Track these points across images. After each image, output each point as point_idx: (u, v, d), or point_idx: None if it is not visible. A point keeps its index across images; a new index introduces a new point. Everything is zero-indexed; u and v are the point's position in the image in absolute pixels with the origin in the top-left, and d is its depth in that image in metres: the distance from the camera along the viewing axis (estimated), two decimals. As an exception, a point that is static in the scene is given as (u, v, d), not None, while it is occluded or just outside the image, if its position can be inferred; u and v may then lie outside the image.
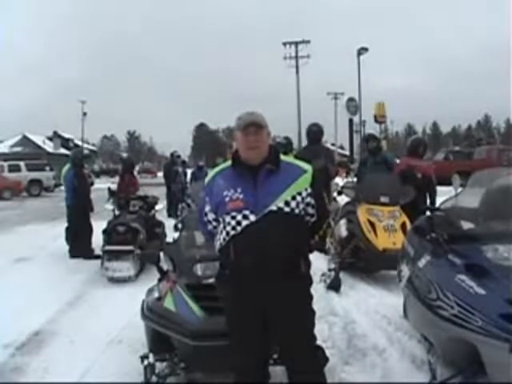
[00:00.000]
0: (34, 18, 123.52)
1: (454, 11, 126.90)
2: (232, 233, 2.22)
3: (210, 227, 2.42)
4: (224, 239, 2.26)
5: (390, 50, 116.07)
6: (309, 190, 2.29)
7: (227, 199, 2.25)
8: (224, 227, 2.26)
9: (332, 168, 7.03)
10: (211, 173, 2.47)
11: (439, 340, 2.72)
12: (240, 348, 2.33)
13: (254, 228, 2.19)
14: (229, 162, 2.38)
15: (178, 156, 13.49)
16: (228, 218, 2.24)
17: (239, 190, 2.25)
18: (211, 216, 2.37)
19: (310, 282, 2.37)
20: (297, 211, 2.25)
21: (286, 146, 7.17)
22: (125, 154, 10.30)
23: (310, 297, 2.36)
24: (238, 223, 2.21)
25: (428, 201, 6.30)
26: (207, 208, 2.38)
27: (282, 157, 2.39)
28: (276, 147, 2.47)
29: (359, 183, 6.52)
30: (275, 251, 2.17)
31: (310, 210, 2.32)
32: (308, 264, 2.34)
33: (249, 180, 2.26)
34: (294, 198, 2.24)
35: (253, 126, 2.26)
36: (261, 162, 2.27)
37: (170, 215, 10.46)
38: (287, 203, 2.22)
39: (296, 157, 6.00)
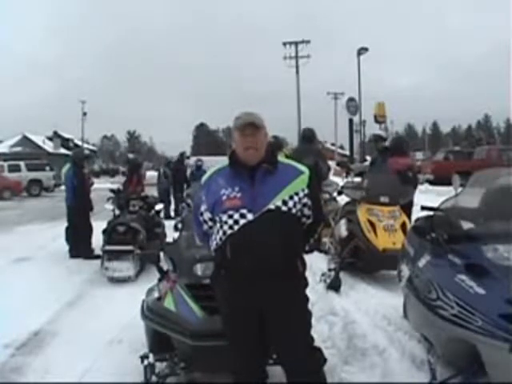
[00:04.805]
0: (34, 18, 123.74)
1: (454, 11, 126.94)
2: (229, 232, 2.22)
3: (205, 227, 2.42)
4: (220, 238, 2.25)
5: (390, 50, 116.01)
6: (306, 191, 2.29)
7: (224, 198, 2.25)
8: (221, 226, 2.25)
9: (324, 167, 7.15)
10: (208, 172, 2.47)
11: (439, 340, 2.72)
12: (237, 348, 2.33)
13: (251, 227, 2.18)
14: (226, 162, 2.38)
15: (188, 157, 13.58)
16: (225, 217, 2.23)
17: (236, 189, 2.25)
18: (207, 215, 2.37)
19: (305, 283, 2.37)
20: (294, 211, 2.25)
21: (275, 145, 7.22)
22: (131, 155, 10.47)
23: (306, 298, 2.37)
24: (236, 222, 2.20)
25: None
26: (203, 207, 2.38)
27: (280, 158, 2.41)
28: (274, 148, 2.48)
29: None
30: (273, 250, 2.17)
31: (307, 211, 2.32)
32: (304, 265, 2.34)
33: (246, 179, 2.26)
34: (291, 197, 2.24)
35: (250, 126, 2.26)
36: (258, 162, 2.28)
37: (164, 215, 10.47)
38: (285, 202, 2.22)
39: (287, 157, 6.04)
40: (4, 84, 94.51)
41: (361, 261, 5.43)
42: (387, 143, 7.09)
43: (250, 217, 2.19)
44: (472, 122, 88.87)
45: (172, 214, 11.33)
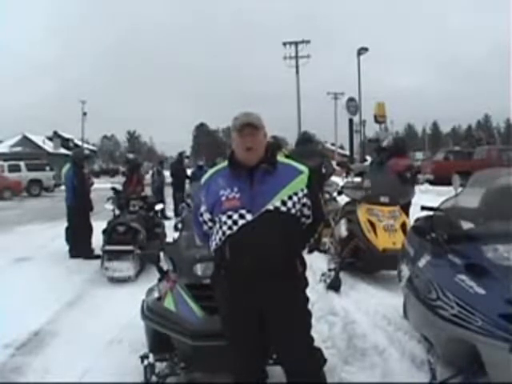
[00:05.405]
0: (34, 18, 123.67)
1: (454, 11, 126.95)
2: (228, 232, 2.21)
3: (205, 228, 2.42)
4: (220, 239, 2.25)
5: (390, 50, 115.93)
6: (305, 191, 2.28)
7: (223, 198, 2.25)
8: (220, 227, 2.25)
9: (329, 168, 7.19)
10: (208, 173, 2.47)
11: (439, 340, 2.72)
12: (237, 348, 2.33)
13: (250, 227, 2.18)
14: (226, 162, 2.38)
15: (187, 157, 13.59)
16: (224, 218, 2.23)
17: (235, 190, 2.25)
18: (207, 216, 2.37)
19: (305, 283, 2.37)
20: (293, 211, 2.24)
21: (274, 145, 7.25)
22: (131, 155, 10.47)
23: (306, 298, 2.36)
24: (235, 222, 2.20)
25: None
26: (203, 208, 2.38)
27: (279, 158, 2.40)
28: (273, 148, 2.47)
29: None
30: (272, 251, 2.17)
31: (306, 211, 2.32)
32: (304, 265, 2.34)
33: (245, 180, 2.25)
34: (290, 197, 2.24)
35: (248, 127, 2.26)
36: (257, 163, 2.27)
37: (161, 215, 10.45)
38: (284, 202, 2.22)
39: (287, 156, 6.06)
40: (4, 84, 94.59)
41: (361, 261, 5.43)
42: (385, 143, 7.16)
43: (248, 217, 2.19)
44: (472, 122, 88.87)
45: (171, 213, 11.32)
